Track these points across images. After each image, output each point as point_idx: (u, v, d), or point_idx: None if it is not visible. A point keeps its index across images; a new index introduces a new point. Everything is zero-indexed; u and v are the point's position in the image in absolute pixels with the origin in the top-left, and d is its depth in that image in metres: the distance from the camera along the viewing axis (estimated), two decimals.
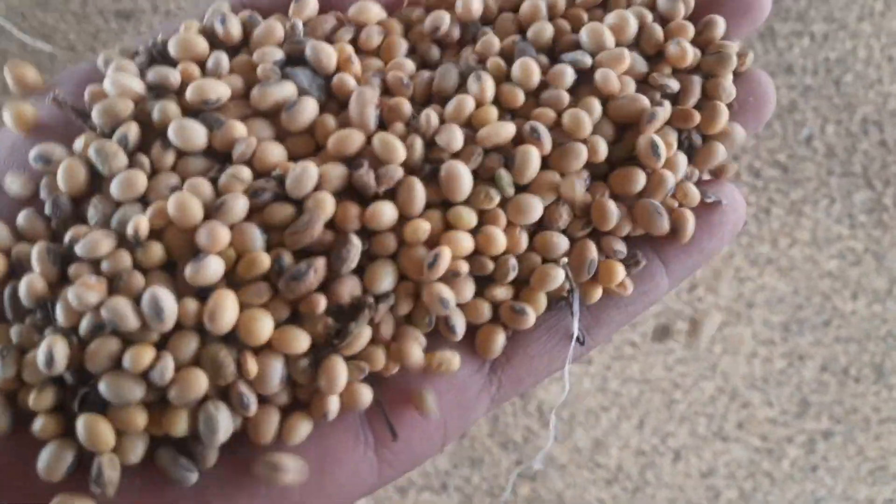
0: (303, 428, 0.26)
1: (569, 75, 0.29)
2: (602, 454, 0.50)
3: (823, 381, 0.49)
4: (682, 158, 0.29)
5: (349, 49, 0.29)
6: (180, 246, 0.26)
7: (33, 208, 0.27)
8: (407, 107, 0.28)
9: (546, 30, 0.30)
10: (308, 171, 0.26)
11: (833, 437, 0.49)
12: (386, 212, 0.26)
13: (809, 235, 0.50)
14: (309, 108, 0.27)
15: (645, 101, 0.28)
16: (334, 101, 0.29)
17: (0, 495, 0.25)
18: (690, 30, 0.30)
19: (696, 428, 0.50)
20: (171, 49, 0.28)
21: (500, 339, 0.28)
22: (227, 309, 0.24)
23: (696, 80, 0.30)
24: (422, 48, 0.31)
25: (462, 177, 0.27)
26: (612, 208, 0.28)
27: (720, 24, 0.30)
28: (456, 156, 0.27)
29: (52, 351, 0.24)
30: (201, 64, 0.29)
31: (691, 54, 0.29)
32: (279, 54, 0.29)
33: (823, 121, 0.51)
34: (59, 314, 0.25)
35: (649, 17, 0.30)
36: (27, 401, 0.25)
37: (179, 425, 0.25)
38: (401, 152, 0.27)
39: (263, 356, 0.25)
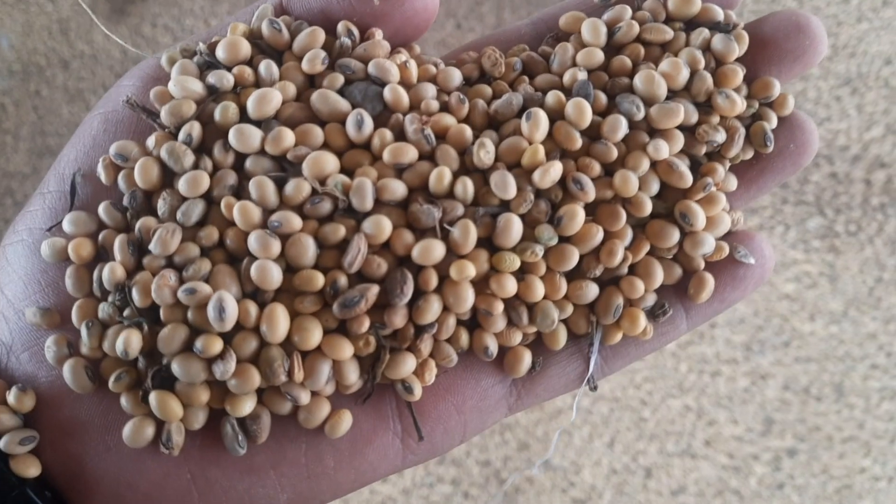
0: (345, 422, 0.29)
1: (622, 129, 0.30)
2: (575, 473, 0.51)
3: (786, 399, 0.50)
4: (724, 219, 0.31)
5: (404, 57, 0.31)
6: (242, 248, 0.28)
7: (110, 200, 0.30)
8: (468, 133, 0.30)
9: (603, 77, 0.31)
10: (367, 186, 0.28)
11: (798, 454, 0.50)
12: (438, 249, 0.28)
13: None
14: (367, 122, 0.29)
15: (689, 177, 0.30)
16: (388, 113, 0.31)
17: (84, 445, 0.28)
18: (740, 76, 0.31)
19: (665, 445, 0.51)
20: (220, 52, 0.31)
21: (527, 360, 0.31)
22: (280, 320, 0.27)
23: (741, 134, 0.31)
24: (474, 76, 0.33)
25: (515, 228, 0.29)
26: (658, 270, 0.30)
27: (775, 87, 0.32)
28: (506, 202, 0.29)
29: (128, 341, 0.27)
30: (249, 64, 0.31)
31: (740, 107, 0.31)
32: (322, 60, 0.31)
33: None
34: (136, 299, 0.28)
35: (701, 62, 0.31)
36: (106, 367, 0.29)
37: (242, 410, 0.28)
38: (459, 194, 0.29)
39: (313, 358, 0.28)
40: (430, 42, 0.34)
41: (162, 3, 0.51)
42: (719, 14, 0.32)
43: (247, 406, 0.28)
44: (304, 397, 0.29)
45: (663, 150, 0.30)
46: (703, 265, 0.31)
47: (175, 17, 0.51)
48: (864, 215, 0.52)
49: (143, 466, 0.28)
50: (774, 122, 0.32)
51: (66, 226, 0.29)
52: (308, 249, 0.28)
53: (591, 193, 0.29)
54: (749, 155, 0.32)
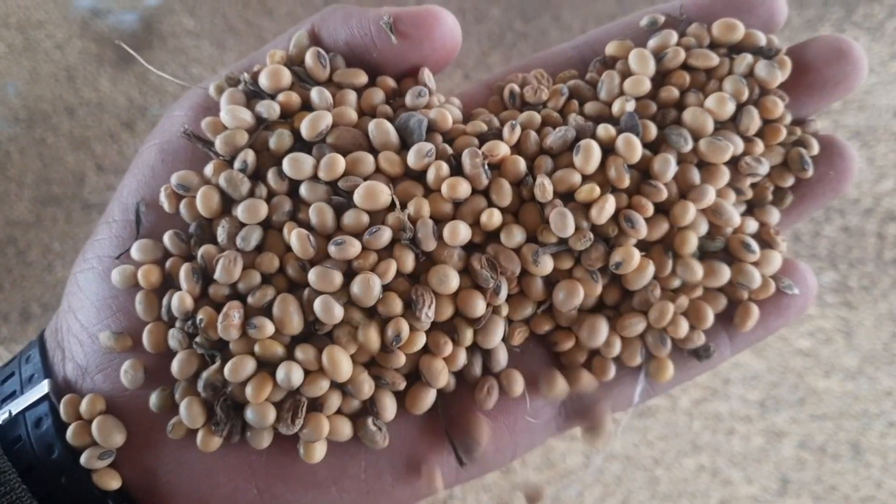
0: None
1: (671, 170, 0.31)
2: None
3: (802, 458, 0.49)
4: (776, 259, 0.32)
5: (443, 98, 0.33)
6: (302, 277, 0.30)
7: (174, 228, 0.31)
8: (522, 165, 0.31)
9: (651, 106, 0.32)
10: (430, 227, 0.29)
11: None
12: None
13: None
14: (433, 154, 0.30)
15: (737, 219, 0.31)
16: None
17: (159, 461, 0.30)
18: (781, 107, 0.32)
19: None
20: (263, 80, 0.32)
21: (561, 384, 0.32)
22: (343, 364, 0.29)
23: (791, 181, 0.33)
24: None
25: (579, 294, 0.30)
26: (709, 314, 0.31)
27: (816, 125, 0.33)
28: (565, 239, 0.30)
29: (206, 376, 0.29)
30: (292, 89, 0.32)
31: (782, 136, 0.32)
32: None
33: None
34: (203, 332, 0.29)
35: (746, 93, 0.32)
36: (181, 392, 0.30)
37: (315, 457, 0.30)
38: (506, 242, 0.30)
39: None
40: (439, 90, 0.34)
41: (169, 50, 0.51)
42: (762, 39, 0.32)
43: (318, 453, 0.30)
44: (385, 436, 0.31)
45: (710, 196, 0.31)
46: (747, 296, 0.32)
47: (182, 65, 0.51)
48: (877, 269, 0.51)
49: (214, 481, 0.30)
50: (816, 148, 0.33)
51: (134, 253, 0.31)
52: (373, 290, 0.29)
53: (643, 231, 0.30)
54: (789, 182, 0.33)
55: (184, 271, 0.30)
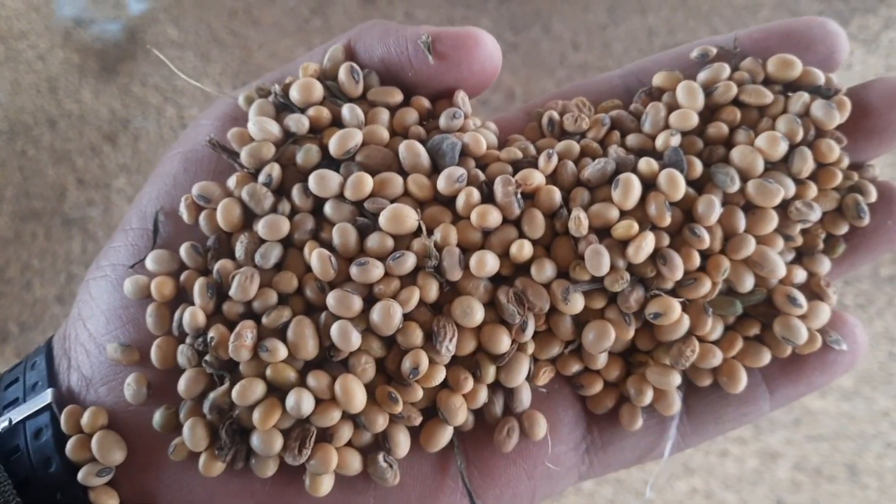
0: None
1: (715, 214, 0.29)
2: None
3: (797, 480, 0.48)
4: (824, 312, 0.30)
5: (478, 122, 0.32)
6: (321, 301, 0.29)
7: (191, 240, 0.30)
8: (557, 196, 0.29)
9: (697, 143, 0.31)
10: (456, 255, 0.28)
11: None
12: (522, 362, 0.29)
13: None
14: (464, 179, 0.29)
15: (782, 269, 0.29)
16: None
17: (159, 482, 0.29)
18: (837, 151, 0.30)
19: None
20: (294, 93, 0.31)
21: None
22: (357, 395, 0.28)
23: (844, 228, 0.31)
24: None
25: (610, 336, 0.29)
26: (744, 377, 0.30)
27: (875, 170, 0.32)
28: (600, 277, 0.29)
29: (213, 397, 0.28)
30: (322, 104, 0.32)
31: (838, 180, 0.30)
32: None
33: None
34: (213, 351, 0.28)
35: (800, 134, 0.30)
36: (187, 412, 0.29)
37: (322, 490, 0.28)
38: (537, 277, 0.29)
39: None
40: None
41: (153, 62, 0.51)
42: (821, 78, 0.31)
43: (325, 486, 0.28)
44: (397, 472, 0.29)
45: (750, 247, 0.29)
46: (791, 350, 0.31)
47: (165, 77, 0.51)
48: (873, 287, 0.50)
49: None
50: (873, 195, 0.31)
51: (149, 264, 0.30)
52: (394, 318, 0.28)
53: (678, 273, 0.29)
54: (843, 230, 0.31)
55: (198, 286, 0.29)
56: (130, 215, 0.32)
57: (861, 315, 0.50)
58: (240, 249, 0.29)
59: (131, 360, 0.29)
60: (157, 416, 0.29)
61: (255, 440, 0.28)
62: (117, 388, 0.29)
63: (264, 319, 0.28)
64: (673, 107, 0.31)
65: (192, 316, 0.28)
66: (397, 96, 0.31)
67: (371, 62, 0.32)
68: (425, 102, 0.32)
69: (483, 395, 0.29)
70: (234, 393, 0.27)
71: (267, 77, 0.33)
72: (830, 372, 0.31)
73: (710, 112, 0.31)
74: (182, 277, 0.30)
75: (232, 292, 0.28)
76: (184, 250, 0.30)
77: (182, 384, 0.28)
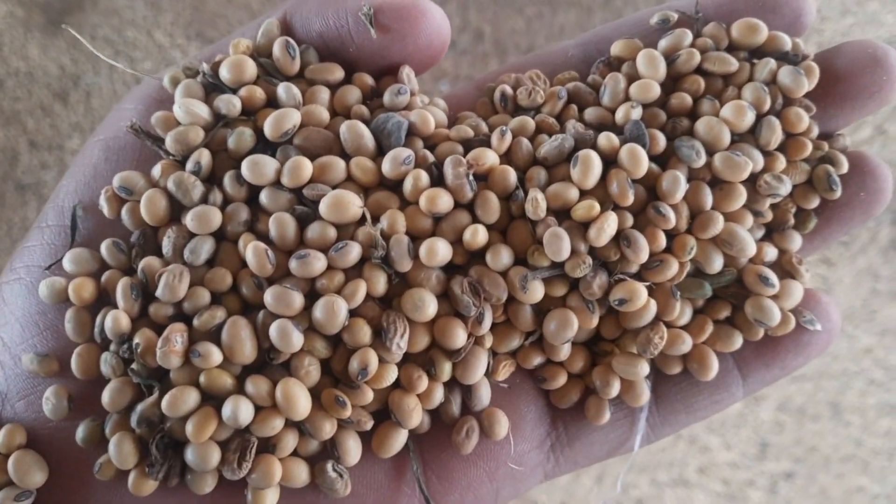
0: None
1: (680, 191, 0.28)
2: None
3: (781, 421, 0.48)
4: (797, 291, 0.29)
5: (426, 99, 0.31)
6: (259, 298, 0.27)
7: (113, 237, 0.28)
8: (511, 177, 0.28)
9: (660, 115, 0.30)
10: (404, 245, 0.27)
11: (794, 478, 0.49)
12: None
13: None
14: (412, 161, 0.28)
15: (752, 247, 0.29)
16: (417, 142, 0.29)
17: (55, 478, 0.27)
18: (807, 120, 0.29)
19: (656, 476, 0.48)
20: (224, 72, 0.29)
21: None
22: (301, 401, 0.26)
23: (815, 202, 0.30)
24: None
25: (573, 325, 0.28)
26: (715, 363, 0.29)
27: (846, 140, 0.31)
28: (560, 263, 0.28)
29: (141, 409, 0.26)
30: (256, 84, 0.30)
31: (807, 150, 0.30)
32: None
33: None
34: (140, 358, 0.26)
35: (768, 103, 0.29)
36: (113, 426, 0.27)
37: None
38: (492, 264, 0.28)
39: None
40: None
41: (101, 12, 0.48)
42: (787, 43, 0.30)
43: (269, 500, 0.27)
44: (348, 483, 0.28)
45: (718, 225, 0.28)
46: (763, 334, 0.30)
47: (116, 28, 0.49)
48: None
49: None
50: (845, 166, 0.30)
51: (67, 264, 0.28)
52: (339, 315, 0.26)
53: (643, 255, 0.28)
54: (814, 203, 0.30)
55: (121, 287, 0.27)
56: (46, 211, 0.30)
57: (843, 253, 0.50)
58: (167, 245, 0.27)
59: (50, 370, 0.27)
60: (81, 432, 0.27)
61: (189, 454, 0.26)
62: (36, 403, 0.27)
63: (196, 321, 0.26)
64: (633, 77, 0.30)
65: (115, 320, 0.26)
66: (338, 73, 0.30)
67: (308, 37, 0.30)
68: (368, 80, 0.30)
69: (439, 395, 0.28)
70: (164, 403, 0.26)
71: (196, 55, 0.31)
72: (805, 353, 0.30)
73: (672, 82, 0.31)
74: (103, 278, 0.28)
75: (159, 293, 0.26)
76: (105, 248, 0.28)
77: (106, 396, 0.26)
